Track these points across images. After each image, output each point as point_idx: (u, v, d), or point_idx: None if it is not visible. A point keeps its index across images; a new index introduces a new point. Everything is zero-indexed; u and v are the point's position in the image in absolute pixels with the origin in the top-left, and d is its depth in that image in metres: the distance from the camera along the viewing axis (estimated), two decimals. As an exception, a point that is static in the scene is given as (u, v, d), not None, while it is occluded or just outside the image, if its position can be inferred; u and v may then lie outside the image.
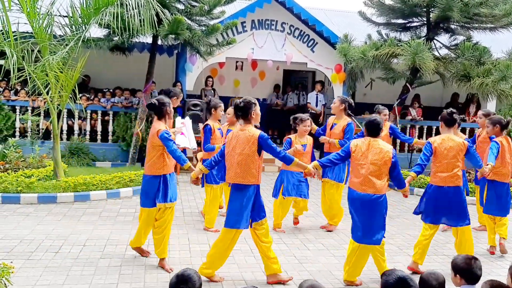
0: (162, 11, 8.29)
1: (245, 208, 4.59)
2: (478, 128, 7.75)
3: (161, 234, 5.04)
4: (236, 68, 15.14)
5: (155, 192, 4.97)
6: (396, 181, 4.87)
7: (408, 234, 6.87)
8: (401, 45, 10.27)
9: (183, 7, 10.36)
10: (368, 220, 4.69)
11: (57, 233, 5.98)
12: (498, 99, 10.75)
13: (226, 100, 14.46)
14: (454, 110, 5.44)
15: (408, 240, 6.58)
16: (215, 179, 6.45)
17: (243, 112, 4.65)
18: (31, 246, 5.47)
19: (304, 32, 12.73)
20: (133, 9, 7.58)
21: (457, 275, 3.30)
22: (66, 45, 7.71)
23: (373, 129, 4.78)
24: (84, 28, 7.88)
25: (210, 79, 12.88)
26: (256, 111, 4.70)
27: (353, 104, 6.99)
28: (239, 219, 4.59)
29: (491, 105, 13.84)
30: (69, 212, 7.01)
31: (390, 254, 5.92)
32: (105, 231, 6.20)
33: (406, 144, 11.81)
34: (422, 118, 12.94)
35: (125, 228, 6.37)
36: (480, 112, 7.21)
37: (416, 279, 2.94)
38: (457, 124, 5.57)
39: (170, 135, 4.93)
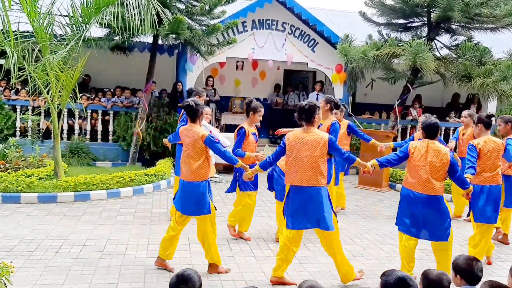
0: (162, 11, 8.29)
1: (304, 209, 4.63)
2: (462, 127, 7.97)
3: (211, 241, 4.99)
4: (237, 68, 15.15)
5: (207, 197, 4.90)
6: (459, 182, 4.95)
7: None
8: (401, 45, 10.26)
9: (183, 7, 10.35)
10: (434, 219, 4.78)
11: (57, 233, 5.98)
12: (499, 99, 10.73)
13: (226, 100, 14.53)
14: (492, 113, 5.74)
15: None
16: (251, 186, 6.02)
17: (307, 115, 4.64)
18: (31, 245, 5.47)
19: (305, 32, 12.72)
20: (133, 9, 7.58)
21: (458, 276, 3.30)
22: (67, 44, 7.71)
23: (432, 132, 4.87)
24: (84, 28, 7.88)
25: (211, 79, 12.89)
26: (319, 114, 4.75)
27: (339, 103, 6.93)
28: (301, 220, 4.62)
29: (492, 106, 13.83)
30: (69, 212, 7.00)
31: (391, 255, 5.93)
32: (105, 231, 6.19)
33: None
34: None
35: (125, 228, 6.37)
36: (465, 112, 7.70)
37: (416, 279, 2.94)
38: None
39: (215, 138, 4.87)
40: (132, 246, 5.66)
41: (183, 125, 6.22)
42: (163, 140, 6.53)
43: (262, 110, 6.08)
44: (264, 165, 4.99)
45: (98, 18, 7.78)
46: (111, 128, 11.38)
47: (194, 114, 4.82)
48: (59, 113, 8.34)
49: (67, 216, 6.80)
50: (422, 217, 4.80)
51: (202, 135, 4.72)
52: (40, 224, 6.32)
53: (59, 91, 7.95)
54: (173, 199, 5.39)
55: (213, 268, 5.01)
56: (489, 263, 5.78)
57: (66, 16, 8.14)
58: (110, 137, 11.41)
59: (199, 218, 4.93)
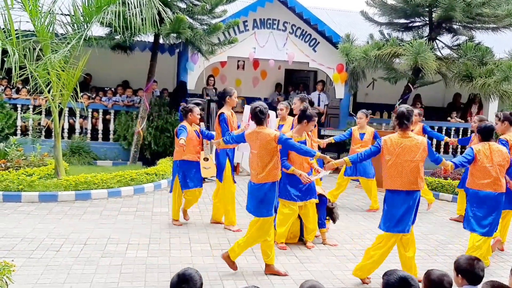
0: (164, 10, 8.27)
1: (412, 212, 4.74)
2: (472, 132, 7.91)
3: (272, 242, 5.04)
4: (238, 67, 15.15)
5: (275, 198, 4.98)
6: None
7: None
8: (403, 45, 10.24)
9: (185, 6, 10.35)
10: (498, 215, 5.26)
11: (58, 232, 5.98)
12: (500, 99, 10.71)
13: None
14: None
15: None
16: (294, 197, 5.75)
17: (407, 119, 4.76)
18: (32, 244, 5.47)
19: (306, 32, 12.72)
20: (135, 8, 7.58)
21: (459, 275, 3.30)
22: (68, 43, 7.70)
23: (488, 134, 5.30)
24: (86, 27, 7.87)
25: (212, 78, 12.88)
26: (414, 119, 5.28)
27: (313, 101, 6.95)
28: (407, 223, 4.72)
29: (493, 106, 13.82)
30: (70, 211, 7.00)
31: (391, 255, 5.91)
32: (106, 230, 6.19)
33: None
34: (423, 119, 12.92)
35: (126, 227, 6.36)
36: (476, 118, 7.63)
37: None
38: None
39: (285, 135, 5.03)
40: (133, 245, 5.66)
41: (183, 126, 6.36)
42: (216, 141, 5.79)
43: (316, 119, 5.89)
44: (354, 161, 5.06)
45: (99, 17, 7.77)
46: (112, 127, 11.38)
47: (261, 118, 4.94)
48: (60, 112, 8.34)
49: (68, 215, 6.80)
50: (492, 214, 5.18)
51: (275, 135, 4.85)
52: (41, 223, 6.32)
53: (60, 90, 7.95)
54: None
55: (270, 268, 5.03)
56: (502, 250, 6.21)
57: (67, 15, 8.13)
58: (111, 136, 11.40)
59: (261, 219, 4.90)
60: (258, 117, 4.94)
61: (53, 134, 8.41)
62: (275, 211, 5.15)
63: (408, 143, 4.68)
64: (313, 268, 5.27)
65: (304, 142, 5.74)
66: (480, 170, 5.15)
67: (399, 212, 4.68)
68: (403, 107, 4.81)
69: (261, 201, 4.86)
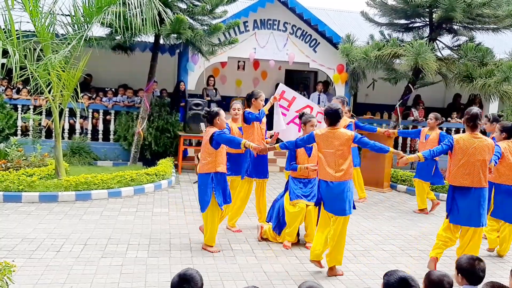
0: (164, 10, 8.28)
1: (480, 207, 5.07)
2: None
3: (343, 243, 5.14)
4: (238, 67, 15.14)
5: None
6: None
7: (409, 235, 6.85)
8: (403, 46, 10.24)
9: (185, 7, 10.35)
10: None
11: (58, 232, 5.98)
12: (501, 100, 10.71)
13: (228, 100, 14.52)
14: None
15: (409, 240, 6.57)
16: (301, 195, 5.92)
17: (479, 120, 5.06)
18: (32, 245, 5.47)
19: (306, 32, 12.72)
20: (135, 8, 7.58)
21: (459, 274, 3.30)
22: (68, 44, 7.70)
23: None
24: (86, 27, 7.88)
25: (212, 79, 12.87)
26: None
27: (346, 101, 7.01)
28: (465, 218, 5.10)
29: (493, 106, 13.82)
30: (71, 211, 7.00)
31: (392, 255, 5.92)
32: (107, 230, 6.19)
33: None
34: (424, 119, 12.92)
35: (127, 227, 6.36)
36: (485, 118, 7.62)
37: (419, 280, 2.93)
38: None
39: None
40: (133, 245, 5.66)
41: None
42: (271, 146, 5.61)
43: (314, 120, 5.92)
44: (427, 156, 5.16)
45: (100, 18, 7.78)
46: (112, 127, 11.38)
47: (337, 119, 5.02)
48: (61, 113, 8.34)
49: (68, 215, 6.80)
50: None
51: (351, 134, 4.98)
52: (41, 223, 6.32)
53: (61, 91, 7.95)
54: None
55: (333, 270, 5.08)
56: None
57: (68, 15, 8.13)
58: (111, 136, 11.40)
59: (343, 218, 4.98)
60: (335, 118, 5.01)
61: (53, 134, 8.41)
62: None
63: (480, 144, 4.99)
64: (313, 269, 5.26)
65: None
66: (508, 166, 5.76)
67: (459, 206, 5.05)
68: (475, 109, 5.09)
69: (343, 199, 4.95)
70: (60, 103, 8.19)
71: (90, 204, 7.51)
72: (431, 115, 8.26)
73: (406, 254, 5.99)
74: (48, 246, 5.45)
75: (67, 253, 5.29)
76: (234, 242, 6.03)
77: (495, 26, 10.94)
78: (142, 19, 7.75)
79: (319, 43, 12.82)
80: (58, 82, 7.82)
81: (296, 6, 12.13)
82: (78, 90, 8.14)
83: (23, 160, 8.68)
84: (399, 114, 11.59)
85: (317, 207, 5.63)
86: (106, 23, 8.85)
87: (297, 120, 6.55)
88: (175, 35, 9.79)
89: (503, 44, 11.64)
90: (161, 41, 10.54)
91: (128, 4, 7.64)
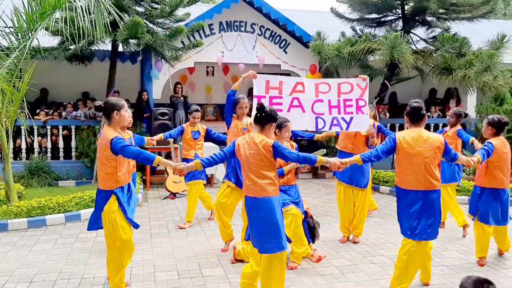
0: (118, 13, 7.55)
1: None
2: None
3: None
4: (207, 73, 14.52)
5: None
6: None
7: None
8: (377, 40, 9.74)
9: (143, 10, 9.66)
10: None
11: (1, 268, 5.19)
12: (481, 91, 10.29)
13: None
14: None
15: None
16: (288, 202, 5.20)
17: (500, 128, 5.27)
18: (-33, 287, 4.68)
19: (275, 33, 12.17)
20: (82, 12, 6.83)
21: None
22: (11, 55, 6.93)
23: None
24: (30, 35, 7.11)
25: (179, 86, 12.13)
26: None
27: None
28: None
29: (471, 99, 13.46)
30: (21, 241, 6.19)
31: (383, 268, 5.30)
32: (59, 262, 5.41)
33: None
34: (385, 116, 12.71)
35: (82, 257, 5.58)
36: (451, 111, 7.16)
37: None
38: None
39: None
40: (88, 279, 4.88)
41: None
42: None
43: (289, 124, 5.09)
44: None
45: (44, 24, 7.02)
46: (73, 144, 10.56)
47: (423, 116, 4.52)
48: (17, 131, 7.50)
49: (17, 246, 5.99)
50: None
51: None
52: (-16, 258, 5.51)
53: (6, 107, 7.16)
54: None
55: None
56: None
57: (8, 27, 7.33)
58: (73, 154, 10.59)
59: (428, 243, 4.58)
60: (418, 116, 4.42)
61: (1, 155, 7.59)
62: None
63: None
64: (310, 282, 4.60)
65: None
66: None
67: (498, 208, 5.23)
68: (496, 116, 5.28)
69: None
70: (6, 120, 7.38)
71: (44, 231, 6.71)
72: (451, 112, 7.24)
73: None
74: (-14, 288, 4.66)
75: (8, 294, 4.52)
76: (206, 266, 5.31)
77: (470, 15, 10.54)
78: (92, 22, 7.00)
79: (289, 43, 12.28)
80: (3, 98, 7.03)
81: (263, 5, 11.56)
82: (25, 105, 7.38)
83: (-31, 186, 7.84)
84: (376, 112, 11.07)
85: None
86: (54, 30, 8.13)
87: (296, 102, 5.89)
88: (134, 41, 9.07)
89: (479, 35, 11.19)
90: (120, 49, 9.83)
91: (75, 7, 6.89)
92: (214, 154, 4.16)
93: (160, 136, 6.46)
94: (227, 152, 4.13)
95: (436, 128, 12.95)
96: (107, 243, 4.34)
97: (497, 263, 5.48)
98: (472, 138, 6.71)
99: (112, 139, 4.07)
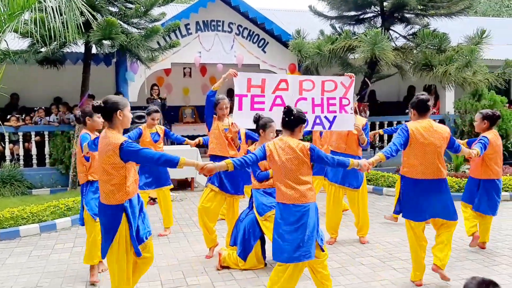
0: (90, 13, 7.23)
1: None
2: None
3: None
4: (185, 75, 14.26)
5: None
6: None
7: (387, 243, 6.13)
8: (357, 37, 9.63)
9: (117, 9, 9.34)
10: None
11: (-29, 286, 4.87)
12: (461, 87, 10.28)
13: (176, 110, 13.57)
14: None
15: (389, 249, 5.84)
16: (270, 206, 5.04)
17: (493, 121, 5.43)
18: None
19: (254, 32, 11.99)
20: (53, 12, 6.50)
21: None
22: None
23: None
24: (-2, 37, 6.74)
25: (156, 88, 11.79)
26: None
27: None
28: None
29: (450, 95, 13.49)
30: (-8, 255, 5.86)
31: (373, 269, 5.15)
32: (33, 276, 5.10)
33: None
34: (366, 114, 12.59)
35: (59, 270, 5.28)
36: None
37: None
38: None
39: None
40: (65, 293, 4.62)
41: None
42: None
43: (273, 124, 5.00)
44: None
45: (12, 26, 6.66)
46: (47, 150, 10.17)
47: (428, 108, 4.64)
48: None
49: (-12, 260, 5.66)
50: None
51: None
52: (-48, 275, 5.16)
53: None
54: None
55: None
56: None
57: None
58: (47, 160, 10.19)
59: (453, 223, 4.62)
60: (425, 107, 4.49)
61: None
62: None
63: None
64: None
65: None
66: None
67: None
68: (488, 110, 5.38)
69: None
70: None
71: (18, 243, 6.38)
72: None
73: (388, 267, 5.23)
74: (-46, 308, 4.34)
75: (-22, 314, 4.21)
76: (190, 275, 5.08)
77: (448, 11, 10.52)
78: (63, 22, 6.67)
79: (268, 42, 12.11)
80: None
81: (240, 4, 11.37)
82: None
83: None
84: (358, 110, 10.96)
85: None
86: (25, 33, 7.77)
87: (278, 101, 5.70)
88: (108, 42, 8.77)
89: (458, 32, 11.19)
90: (94, 50, 9.50)
91: (46, 8, 6.56)
92: (246, 156, 3.91)
93: None
94: (258, 156, 3.90)
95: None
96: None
97: (487, 260, 5.40)
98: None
99: (122, 144, 3.51)
